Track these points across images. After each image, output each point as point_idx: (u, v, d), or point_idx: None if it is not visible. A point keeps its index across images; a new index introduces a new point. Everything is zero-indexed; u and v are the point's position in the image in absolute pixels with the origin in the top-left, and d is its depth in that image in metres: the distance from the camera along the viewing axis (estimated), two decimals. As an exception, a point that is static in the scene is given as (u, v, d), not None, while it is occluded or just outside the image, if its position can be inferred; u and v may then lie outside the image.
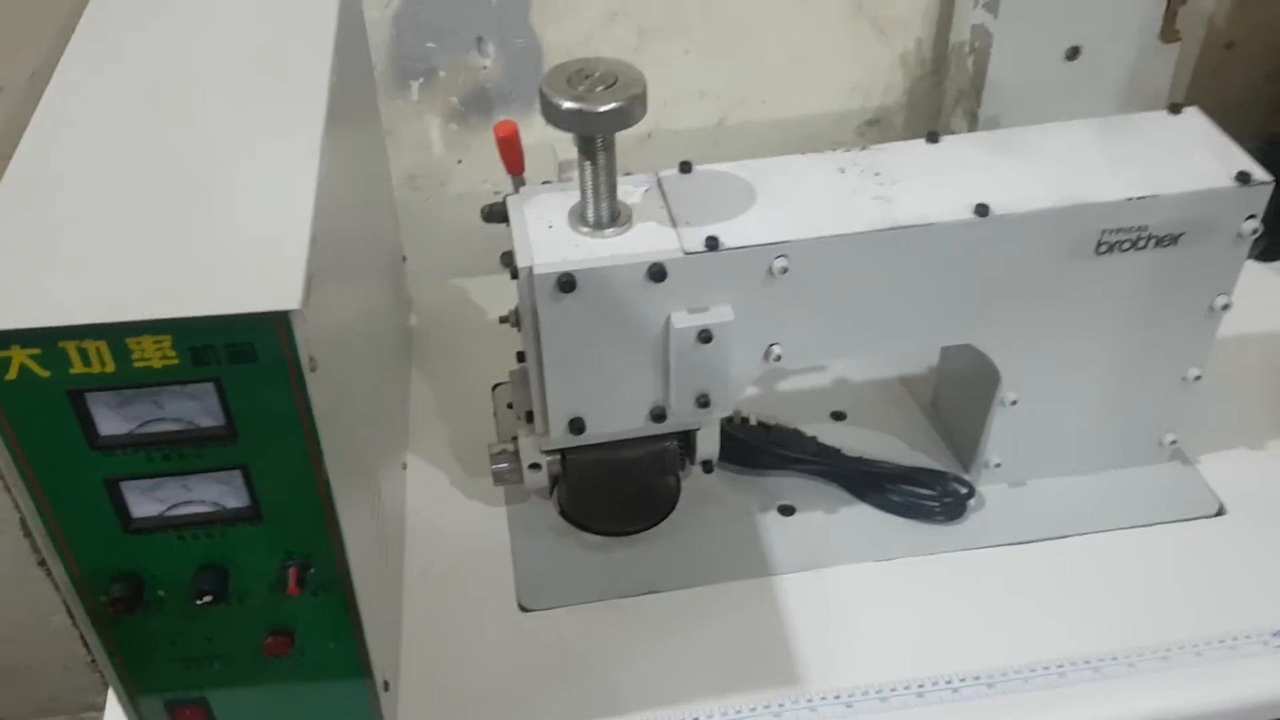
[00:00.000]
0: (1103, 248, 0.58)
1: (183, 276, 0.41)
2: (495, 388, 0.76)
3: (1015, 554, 0.67)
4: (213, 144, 0.49)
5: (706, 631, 0.63)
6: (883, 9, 0.92)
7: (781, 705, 0.59)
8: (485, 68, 0.90)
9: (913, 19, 0.93)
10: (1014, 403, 0.65)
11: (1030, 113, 0.89)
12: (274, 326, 0.39)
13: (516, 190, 0.61)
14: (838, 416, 0.76)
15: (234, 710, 0.54)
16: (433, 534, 0.69)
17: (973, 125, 0.92)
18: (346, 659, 0.52)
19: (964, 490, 0.69)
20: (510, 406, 0.66)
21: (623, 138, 0.99)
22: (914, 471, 0.70)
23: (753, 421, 0.73)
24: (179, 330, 0.39)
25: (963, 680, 0.60)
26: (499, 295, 0.62)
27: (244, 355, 0.40)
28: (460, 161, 0.94)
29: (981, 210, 0.57)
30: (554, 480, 0.67)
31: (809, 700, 0.59)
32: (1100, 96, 0.93)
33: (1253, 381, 0.76)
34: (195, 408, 0.42)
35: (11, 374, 0.39)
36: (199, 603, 0.47)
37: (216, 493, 0.45)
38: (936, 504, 0.69)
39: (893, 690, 0.59)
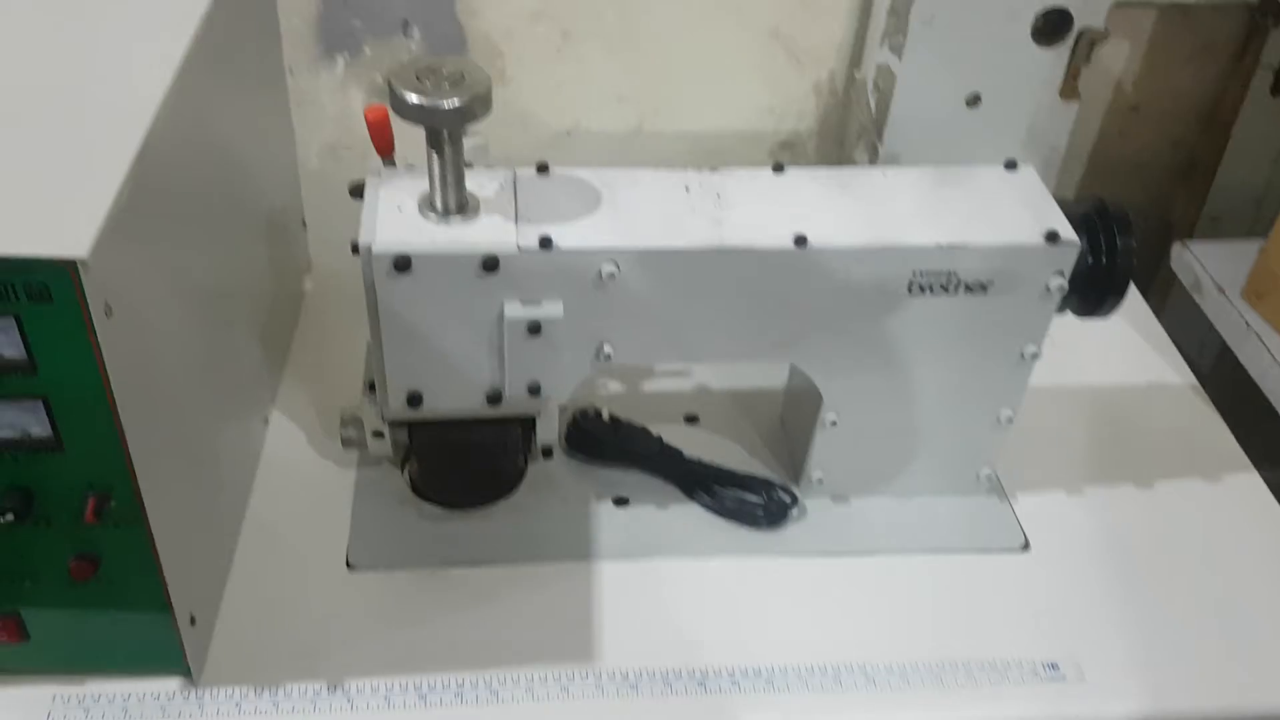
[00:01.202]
0: (914, 288, 0.62)
1: (-9, 210, 0.44)
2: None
3: (826, 564, 0.70)
4: (49, 77, 0.52)
5: (521, 606, 0.67)
6: (797, 38, 0.95)
7: (571, 678, 0.63)
8: (411, 51, 0.93)
9: (826, 51, 0.97)
10: (834, 423, 0.69)
11: (930, 153, 0.94)
12: (66, 271, 0.43)
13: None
14: (690, 419, 0.80)
15: (45, 628, 0.57)
16: (282, 488, 0.73)
17: (874, 159, 0.96)
18: (149, 591, 0.55)
19: (788, 499, 0.72)
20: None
21: (543, 133, 1.03)
22: (744, 477, 0.74)
23: (605, 416, 0.77)
24: (-23, 265, 0.43)
25: (744, 674, 0.63)
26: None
27: (40, 295, 0.44)
28: (381, 137, 0.97)
29: (800, 241, 0.60)
30: (406, 452, 0.70)
31: (597, 677, 0.63)
32: (999, 144, 0.96)
33: (1075, 429, 0.81)
34: (0, 339, 0.45)
35: None
36: (1, 519, 0.50)
37: (23, 420, 0.48)
38: (761, 510, 0.72)
39: (677, 676, 0.63)
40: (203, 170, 0.59)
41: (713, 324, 0.63)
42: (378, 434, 0.69)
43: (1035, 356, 0.66)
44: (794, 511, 0.72)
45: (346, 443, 0.70)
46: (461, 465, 0.72)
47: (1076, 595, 0.69)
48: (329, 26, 0.91)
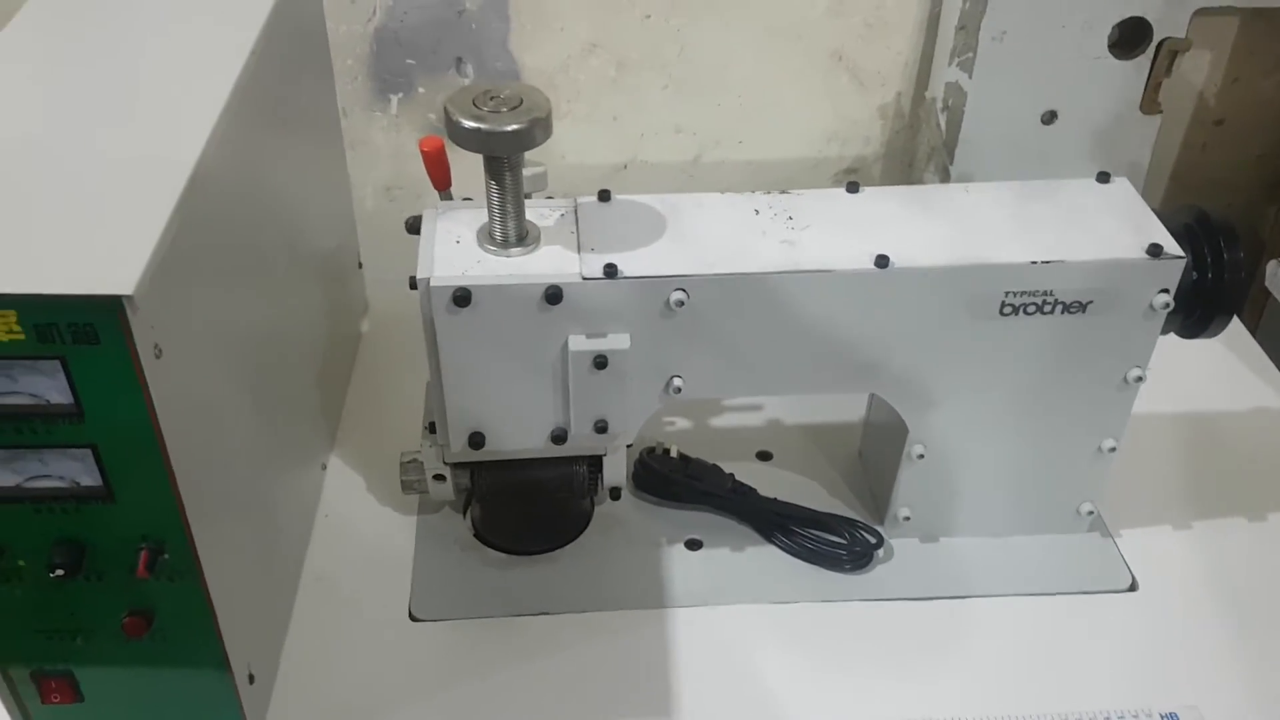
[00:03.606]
0: (1007, 310, 0.58)
1: (34, 252, 0.42)
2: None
3: (917, 609, 0.66)
4: (101, 113, 0.50)
5: (591, 656, 0.63)
6: (862, 61, 0.92)
7: (649, 738, 0.59)
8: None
9: (892, 73, 0.93)
10: (921, 457, 0.64)
11: (1004, 172, 0.90)
12: (113, 311, 0.41)
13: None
14: (763, 456, 0.76)
15: (100, 687, 0.55)
16: (341, 536, 0.70)
17: (945, 180, 0.92)
18: (205, 647, 0.52)
19: (873, 540, 0.68)
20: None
21: (598, 168, 1.01)
22: (825, 517, 0.70)
23: (673, 453, 0.73)
24: (23, 306, 0.41)
25: (838, 731, 0.59)
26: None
27: (87, 336, 0.41)
28: (436, 177, 0.96)
29: (881, 261, 0.57)
30: (468, 496, 0.67)
31: (677, 735, 0.59)
32: (1075, 162, 0.92)
33: (1178, 458, 0.75)
34: (46, 384, 0.43)
35: None
36: (52, 575, 0.48)
37: (71, 469, 0.46)
38: (844, 552, 0.68)
39: (764, 733, 0.59)
40: (253, 210, 0.58)
41: (788, 353, 0.60)
42: (439, 477, 0.66)
43: (1140, 380, 0.61)
44: (879, 553, 0.68)
45: (407, 487, 0.68)
46: (526, 508, 0.69)
47: (1190, 638, 0.64)
48: (382, 65, 0.90)
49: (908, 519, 0.68)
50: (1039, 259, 0.57)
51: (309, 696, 0.60)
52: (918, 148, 0.95)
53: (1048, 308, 0.58)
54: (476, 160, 0.56)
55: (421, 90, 0.92)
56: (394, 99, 0.92)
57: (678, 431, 0.78)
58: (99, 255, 0.42)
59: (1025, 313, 0.58)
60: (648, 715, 0.60)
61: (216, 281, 0.51)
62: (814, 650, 0.64)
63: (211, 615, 0.51)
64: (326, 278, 0.76)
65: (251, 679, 0.56)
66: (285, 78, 0.65)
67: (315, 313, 0.73)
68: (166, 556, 0.49)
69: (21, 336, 0.41)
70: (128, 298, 0.40)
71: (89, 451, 0.45)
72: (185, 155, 0.47)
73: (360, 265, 0.87)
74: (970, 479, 0.66)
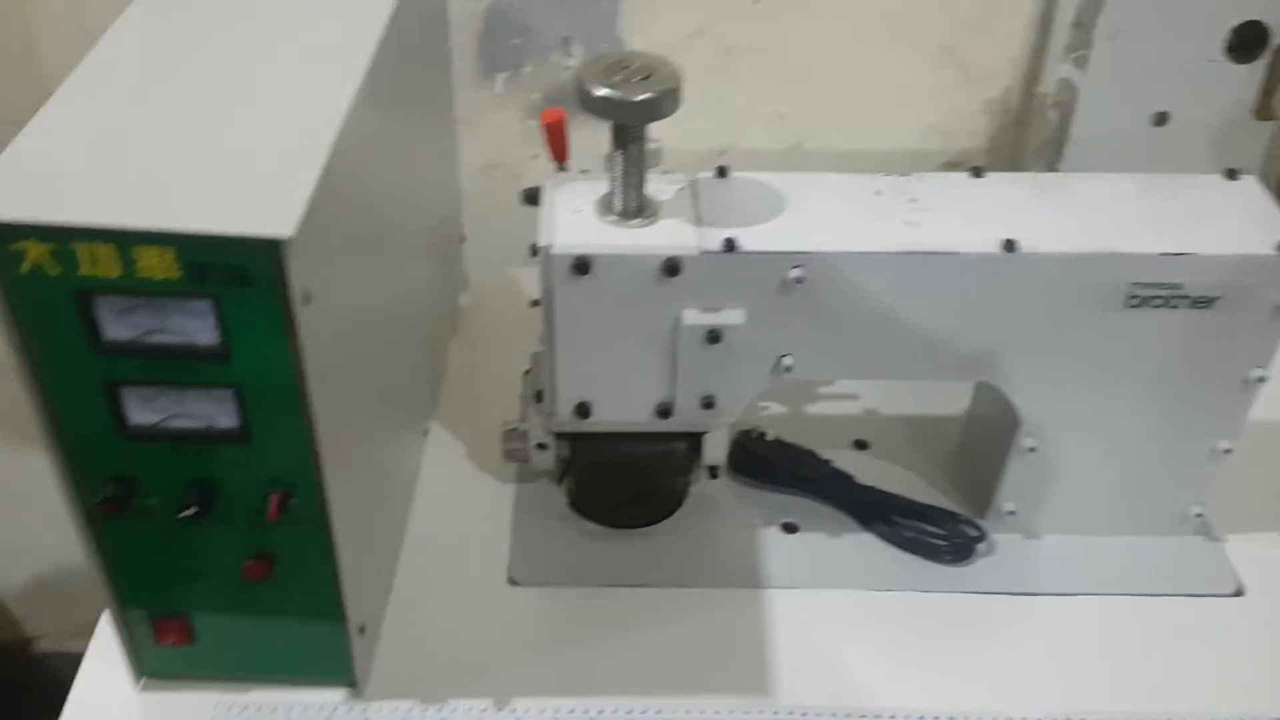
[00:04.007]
0: (1133, 301, 0.57)
1: (193, 196, 0.44)
2: (527, 372, 0.78)
3: (1016, 604, 0.65)
4: (249, 83, 0.52)
5: (686, 632, 0.63)
6: (972, 54, 0.91)
7: (747, 712, 0.59)
8: (569, 68, 0.93)
9: (1001, 66, 0.92)
10: (1032, 449, 0.63)
11: (1110, 171, 0.88)
12: (269, 253, 0.42)
13: (557, 177, 0.62)
14: (860, 445, 0.76)
15: (213, 630, 0.56)
16: (441, 500, 0.71)
17: (1050, 178, 0.91)
18: (323, 595, 0.53)
19: (974, 533, 0.67)
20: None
21: (696, 153, 1.01)
22: (926, 508, 0.69)
23: (769, 437, 0.73)
24: (181, 244, 0.42)
25: (936, 719, 0.58)
26: (543, 289, 0.64)
27: (240, 278, 0.43)
28: (535, 157, 0.97)
29: (1009, 245, 0.56)
30: (565, 467, 0.68)
31: (774, 712, 0.59)
32: (1185, 165, 0.90)
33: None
34: (195, 324, 0.44)
35: (25, 267, 0.42)
36: (182, 515, 0.49)
37: (210, 411, 0.47)
38: (945, 543, 0.67)
39: (862, 717, 0.58)
40: (380, 182, 0.59)
41: (905, 337, 0.59)
42: (541, 446, 0.67)
43: (1262, 381, 0.60)
44: (980, 546, 0.67)
45: (509, 455, 0.68)
46: (625, 483, 0.70)
47: (1297, 646, 0.62)
48: (491, 44, 0.91)
49: (1012, 513, 0.67)
50: (1168, 250, 0.56)
51: (410, 653, 0.61)
52: (1025, 143, 0.93)
53: (1174, 302, 0.57)
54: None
55: (527, 70, 0.93)
56: (499, 77, 0.93)
57: (773, 416, 0.78)
58: (256, 204, 0.43)
59: (1151, 306, 0.57)
60: (740, 692, 0.60)
61: (350, 244, 0.52)
62: (908, 639, 0.63)
63: (334, 562, 0.52)
64: (435, 251, 0.78)
65: (362, 630, 0.57)
66: (411, 56, 0.66)
67: (425, 284, 0.74)
68: (295, 501, 0.50)
69: (178, 275, 0.43)
70: (287, 241, 0.41)
71: (231, 393, 0.46)
72: (328, 126, 0.48)
73: (463, 240, 0.88)
74: (1080, 475, 0.65)
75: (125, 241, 0.42)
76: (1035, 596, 0.65)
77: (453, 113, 0.83)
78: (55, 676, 1.33)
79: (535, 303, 0.65)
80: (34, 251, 0.42)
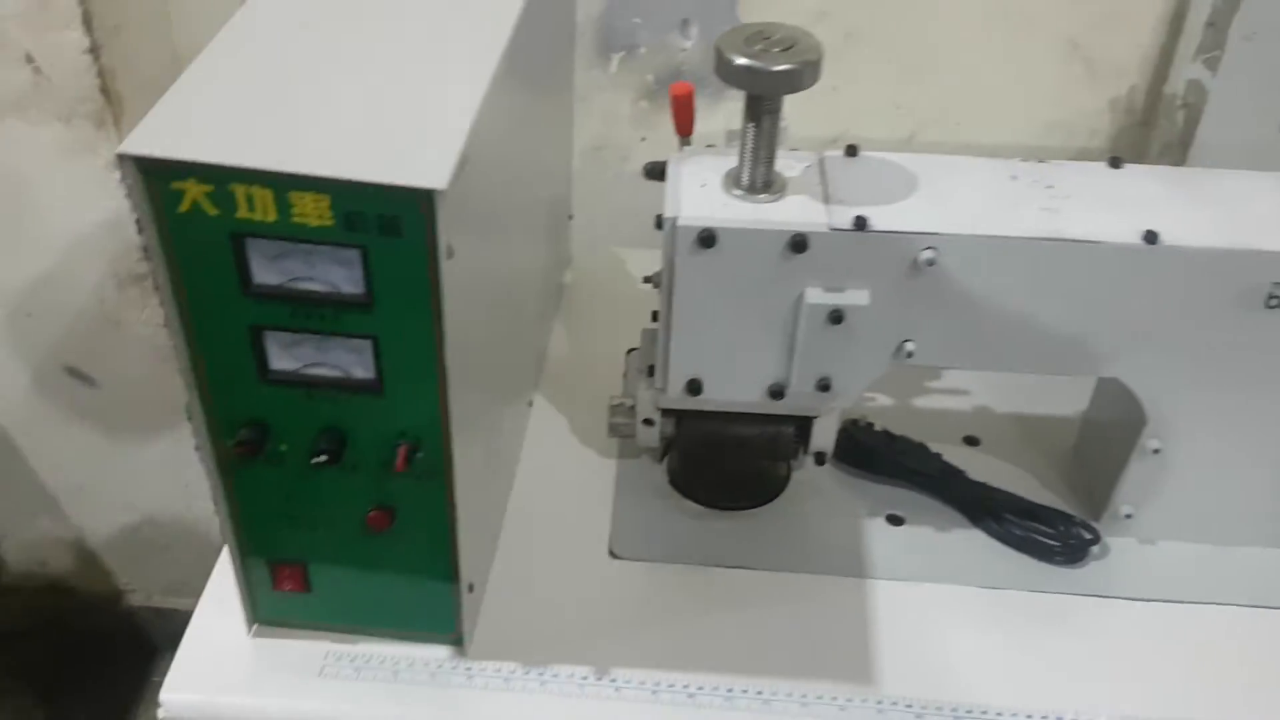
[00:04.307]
0: (1274, 302, 0.55)
1: (350, 146, 0.44)
2: (630, 352, 0.78)
3: (1129, 609, 0.63)
4: (399, 50, 0.52)
5: (786, 616, 0.63)
6: (1099, 51, 0.89)
7: (850, 700, 0.58)
8: (685, 49, 0.92)
9: (1129, 65, 0.90)
10: (1157, 451, 0.62)
11: (1238, 177, 0.85)
12: (421, 204, 0.42)
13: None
14: (970, 441, 0.74)
15: (329, 580, 0.57)
16: (543, 471, 0.71)
17: (1173, 181, 0.88)
18: (439, 550, 0.54)
19: (1088, 536, 0.66)
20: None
21: (810, 139, 1.00)
22: (1037, 508, 0.67)
23: (877, 428, 0.72)
24: (336, 191, 0.43)
25: (1040, 718, 0.57)
26: (652, 267, 0.64)
27: (392, 228, 0.43)
28: (644, 139, 0.97)
29: (1150, 237, 0.54)
30: (667, 445, 0.68)
31: (878, 701, 0.58)
32: (1318, 172, 0.87)
33: None
34: (342, 274, 0.45)
35: (184, 206, 0.43)
36: (314, 461, 0.50)
37: (347, 360, 0.48)
38: (1057, 544, 0.66)
39: (968, 711, 0.57)
40: (510, 153, 0.59)
41: (1034, 327, 0.58)
42: (648, 421, 0.67)
43: None
44: (1094, 549, 0.65)
45: (614, 430, 0.68)
46: (728, 464, 0.69)
47: None
48: (610, 23, 0.91)
49: (1129, 516, 0.65)
50: (1316, 251, 0.54)
51: (513, 617, 0.62)
52: (1148, 145, 0.91)
53: (1319, 304, 0.55)
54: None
55: (643, 50, 0.93)
56: (615, 58, 0.94)
57: (880, 408, 0.77)
58: (410, 158, 0.44)
59: (1294, 307, 0.55)
60: (839, 680, 0.59)
61: (486, 209, 0.52)
62: (1014, 638, 0.62)
63: (452, 518, 0.52)
64: (547, 226, 0.78)
65: (471, 589, 0.57)
66: (544, 32, 0.66)
67: (537, 256, 0.75)
68: (421, 455, 0.50)
69: (330, 223, 0.43)
70: (440, 192, 0.41)
71: (370, 343, 0.47)
72: (474, 92, 0.49)
73: (571, 217, 0.89)
74: (1205, 480, 0.63)
75: (283, 186, 0.42)
76: (1149, 602, 0.63)
77: (572, 90, 0.84)
78: (145, 631, 1.37)
79: (648, 279, 0.65)
80: (194, 191, 0.43)
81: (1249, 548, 0.65)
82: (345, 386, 0.49)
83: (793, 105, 0.96)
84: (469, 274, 0.48)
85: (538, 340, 0.78)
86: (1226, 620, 0.63)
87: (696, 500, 0.70)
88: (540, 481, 0.71)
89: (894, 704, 0.58)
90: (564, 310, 0.87)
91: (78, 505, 1.24)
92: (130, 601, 1.34)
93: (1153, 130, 0.91)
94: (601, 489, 0.71)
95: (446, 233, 0.43)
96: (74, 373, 1.11)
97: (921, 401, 0.78)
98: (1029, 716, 0.57)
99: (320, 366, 0.48)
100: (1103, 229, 0.55)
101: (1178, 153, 0.88)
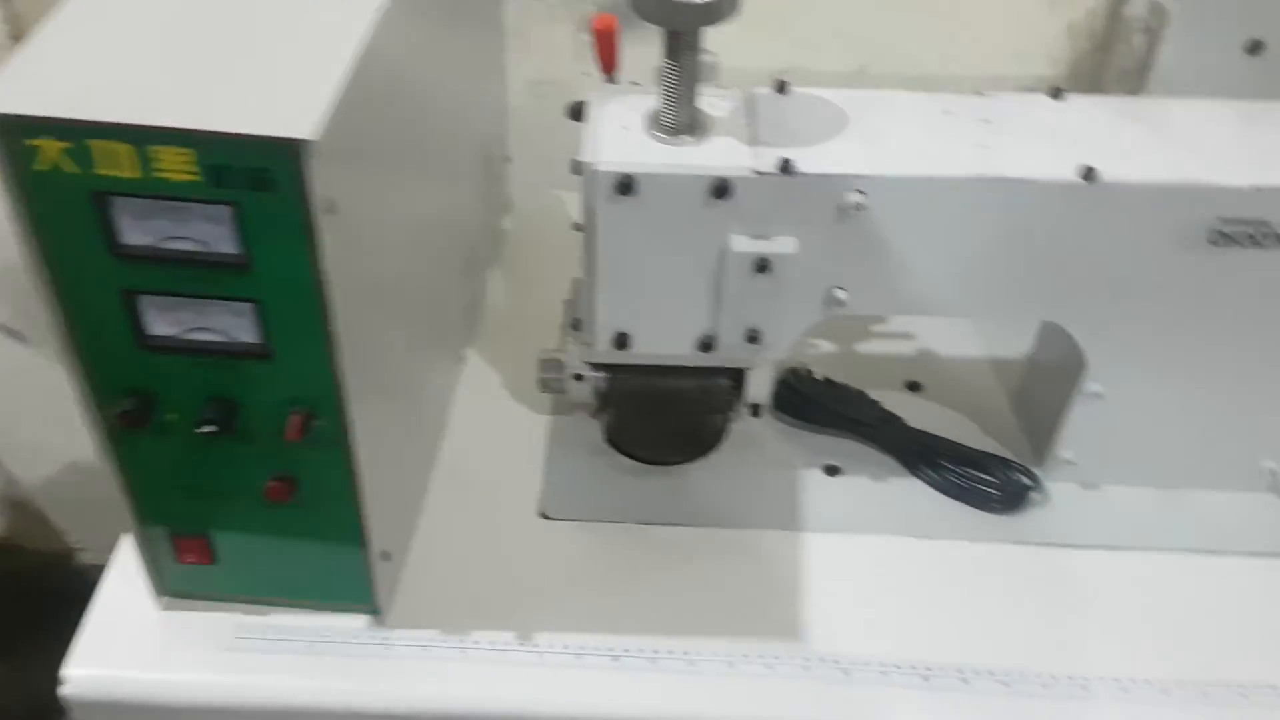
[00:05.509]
0: (1218, 239, 0.53)
1: (214, 97, 0.41)
2: (566, 302, 0.75)
3: (1069, 556, 0.62)
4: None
5: (718, 572, 0.61)
6: (1053, -27, 0.86)
7: (776, 658, 0.56)
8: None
9: (1086, -15, 0.86)
10: (1097, 394, 0.60)
11: (1197, 104, 0.83)
12: (290, 155, 0.39)
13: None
14: (913, 387, 0.72)
15: (234, 551, 0.55)
16: (474, 430, 0.69)
17: (1130, 109, 0.85)
18: (345, 518, 0.52)
19: (1028, 481, 0.64)
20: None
21: (751, 73, 0.96)
22: (976, 454, 0.66)
23: (817, 376, 0.70)
24: (200, 144, 0.39)
25: (975, 673, 0.56)
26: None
27: (261, 182, 0.40)
28: (586, 75, 0.93)
29: (1088, 174, 0.52)
30: (602, 400, 0.65)
31: (805, 659, 0.56)
32: (1278, 97, 0.84)
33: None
34: (214, 231, 0.42)
35: (41, 164, 0.40)
36: (200, 431, 0.47)
37: (231, 325, 0.45)
38: (996, 491, 0.64)
39: (896, 667, 0.56)
40: (416, 90, 0.56)
41: (967, 271, 0.56)
42: (578, 377, 0.64)
43: (1354, 331, 0.55)
44: (1034, 495, 0.64)
45: (544, 385, 0.66)
46: (663, 418, 0.67)
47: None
48: (544, -50, 0.87)
49: (1070, 462, 0.63)
50: (1260, 184, 0.51)
51: (437, 582, 0.60)
52: (1107, 71, 0.88)
53: (1263, 241, 0.53)
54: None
55: (583, -19, 0.88)
56: (553, -11, 0.89)
57: (822, 355, 0.75)
58: (279, 103, 0.40)
59: (1238, 244, 0.53)
60: (775, 636, 0.58)
61: (381, 155, 0.49)
62: (953, 589, 0.60)
63: (355, 486, 0.50)
64: (476, 169, 0.75)
65: (385, 557, 0.55)
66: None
67: (465, 203, 0.72)
68: (318, 422, 0.48)
69: (197, 178, 0.40)
70: (309, 143, 0.38)
71: (251, 306, 0.44)
72: (358, 26, 0.45)
73: (507, 160, 0.85)
74: (1146, 422, 0.61)
75: (142, 140, 0.39)
76: (1089, 550, 0.62)
77: (501, 24, 0.80)
78: (96, 589, 1.35)
79: (577, 226, 0.62)
80: (50, 149, 0.40)
81: (1191, 490, 0.64)
82: (231, 352, 0.46)
83: (735, 37, 0.92)
84: (361, 226, 0.45)
85: (469, 291, 0.75)
86: (1168, 566, 0.61)
87: (632, 456, 0.68)
88: (471, 441, 0.68)
89: (821, 660, 0.56)
90: (504, 258, 0.84)
91: (23, 464, 1.22)
92: (81, 560, 1.32)
93: (1111, 55, 0.87)
94: (535, 447, 0.68)
95: (324, 185, 0.40)
96: (7, 330, 1.08)
97: (864, 347, 0.76)
98: (962, 671, 0.56)
99: (203, 331, 0.45)
100: (1039, 166, 0.52)
101: (1136, 79, 0.84)
